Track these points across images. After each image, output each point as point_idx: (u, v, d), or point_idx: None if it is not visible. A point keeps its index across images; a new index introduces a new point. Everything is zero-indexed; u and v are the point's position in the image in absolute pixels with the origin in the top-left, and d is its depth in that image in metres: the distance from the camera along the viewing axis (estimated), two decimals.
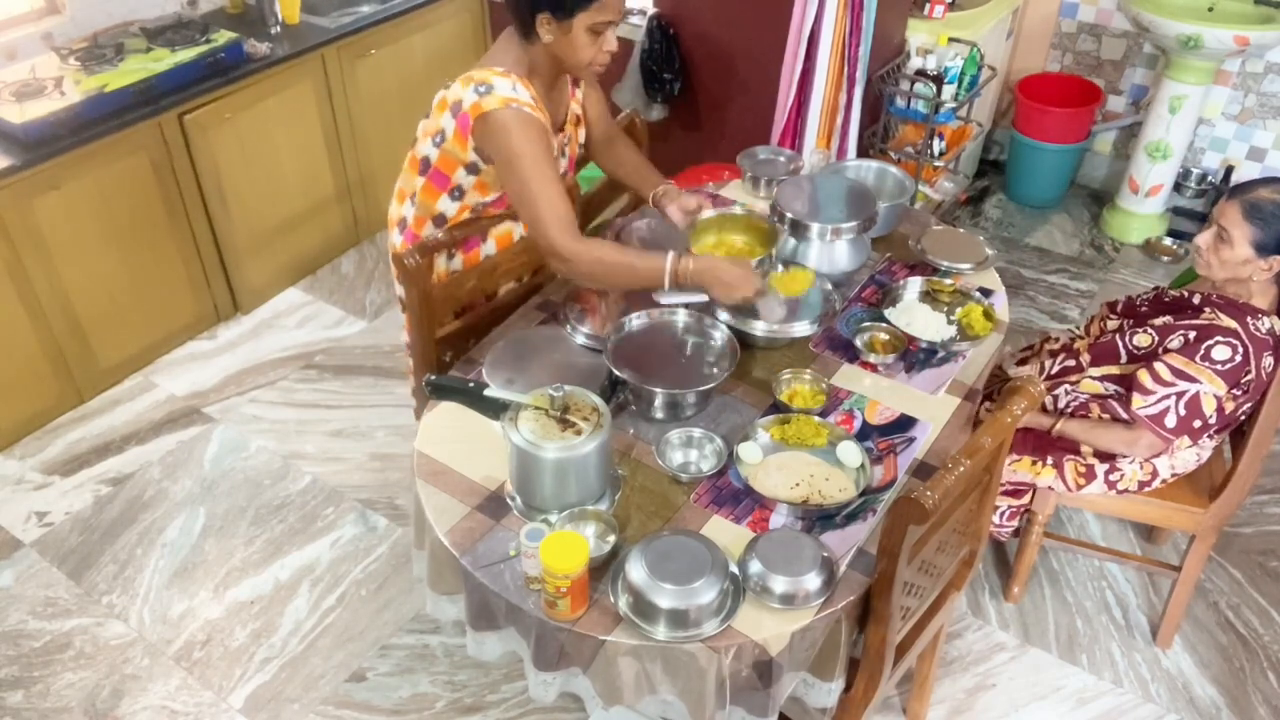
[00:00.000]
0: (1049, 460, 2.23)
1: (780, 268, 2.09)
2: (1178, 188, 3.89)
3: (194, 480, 2.85)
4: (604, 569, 1.59)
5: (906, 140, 3.54)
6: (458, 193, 2.00)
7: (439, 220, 2.04)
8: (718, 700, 1.55)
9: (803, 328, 2.01)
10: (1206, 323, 2.04)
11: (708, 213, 2.18)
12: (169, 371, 3.22)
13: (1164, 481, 2.21)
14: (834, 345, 2.09)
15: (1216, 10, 3.48)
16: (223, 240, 3.27)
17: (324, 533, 2.70)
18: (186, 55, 2.99)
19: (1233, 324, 2.01)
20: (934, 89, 3.28)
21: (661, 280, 1.87)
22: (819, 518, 1.70)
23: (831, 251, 2.14)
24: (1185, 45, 3.32)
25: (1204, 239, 2.06)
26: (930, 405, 1.94)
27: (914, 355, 2.06)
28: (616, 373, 1.85)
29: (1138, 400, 2.05)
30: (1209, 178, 3.88)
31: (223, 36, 3.09)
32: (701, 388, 1.85)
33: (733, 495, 1.74)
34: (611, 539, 1.62)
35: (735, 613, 1.53)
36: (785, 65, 3.18)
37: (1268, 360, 2.01)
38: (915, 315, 2.12)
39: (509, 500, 1.71)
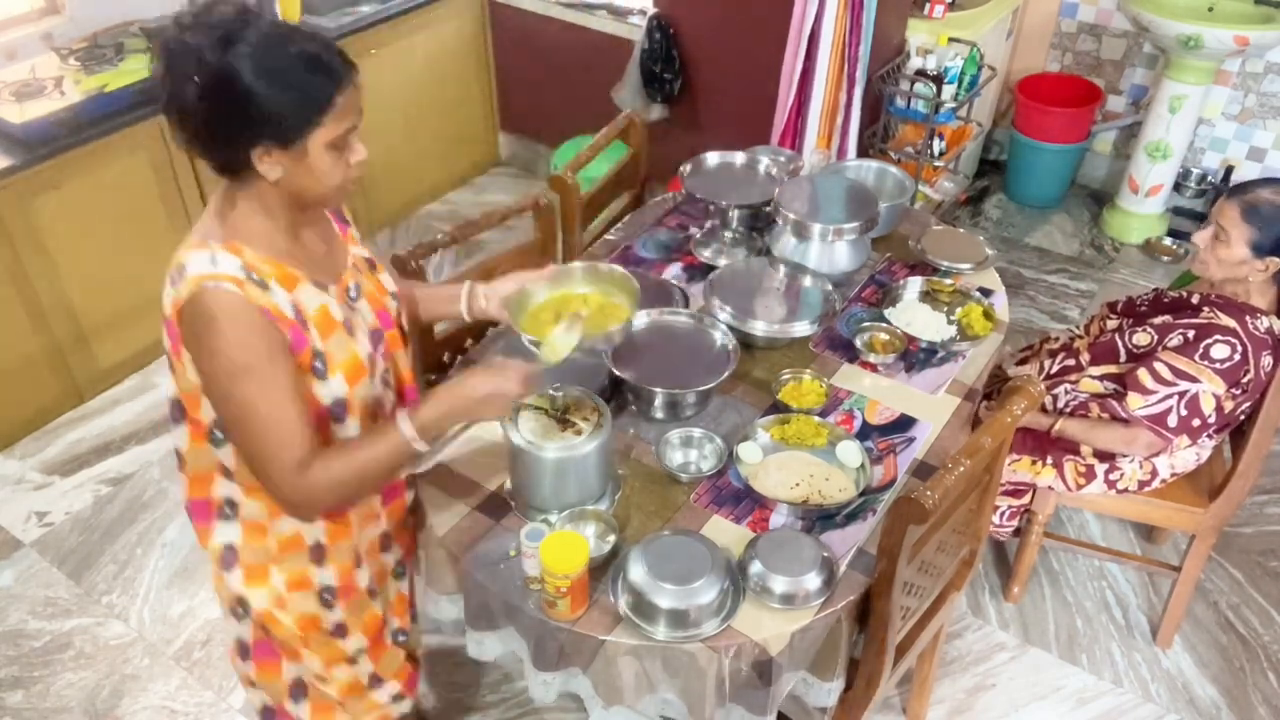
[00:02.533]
0: (1049, 460, 2.23)
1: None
2: (1178, 188, 3.89)
3: None
4: (604, 569, 1.59)
5: (906, 140, 3.54)
6: (218, 436, 1.44)
7: (224, 471, 1.46)
8: (717, 699, 1.55)
9: (803, 328, 2.01)
10: (1206, 321, 2.04)
11: (534, 281, 1.77)
12: (169, 371, 3.21)
13: (1164, 481, 2.21)
14: (834, 345, 2.08)
15: (1216, 10, 3.48)
16: None
17: None
18: None
19: (1232, 323, 2.01)
20: (934, 89, 3.28)
21: (409, 448, 1.42)
22: (819, 518, 1.70)
23: (832, 251, 2.14)
24: (1185, 45, 3.32)
25: (1202, 238, 2.06)
26: (930, 405, 1.94)
27: (914, 355, 2.06)
28: (616, 373, 1.85)
29: (1137, 400, 2.06)
30: (1209, 178, 3.88)
31: None
32: (701, 388, 1.85)
33: (733, 495, 1.74)
34: (611, 539, 1.62)
35: (735, 613, 1.53)
36: (785, 65, 3.18)
37: (1266, 359, 2.01)
38: (915, 315, 2.12)
39: (509, 500, 1.71)
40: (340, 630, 1.62)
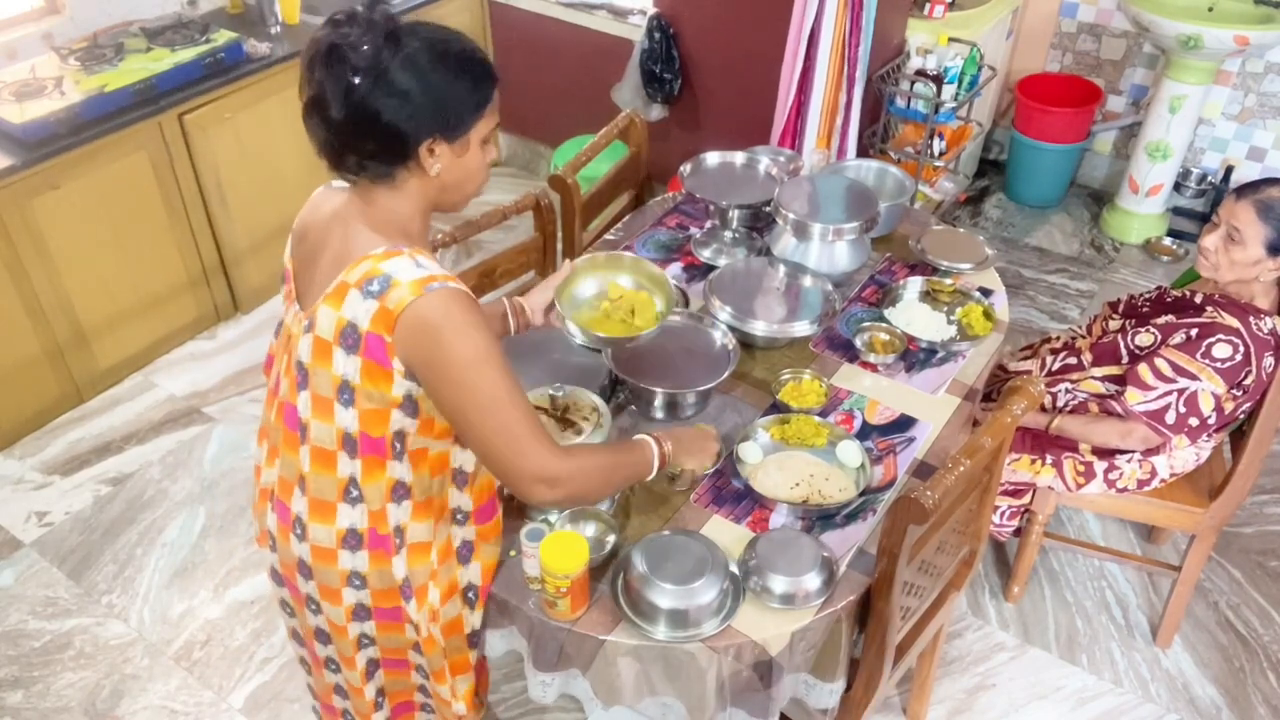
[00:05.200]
0: (1048, 459, 2.23)
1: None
2: (1178, 188, 3.89)
3: (194, 480, 2.85)
4: (604, 569, 1.59)
5: (906, 140, 3.54)
6: (399, 449, 1.40)
7: (400, 491, 1.43)
8: (718, 702, 1.55)
9: (803, 328, 2.01)
10: (1209, 320, 2.04)
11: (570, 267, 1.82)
12: (169, 371, 3.21)
13: (1163, 481, 2.21)
14: (834, 345, 2.08)
15: (1216, 10, 3.48)
16: (223, 240, 3.27)
17: None
18: (186, 55, 2.99)
19: (1235, 323, 2.01)
20: (934, 89, 3.28)
21: (649, 468, 1.55)
22: (819, 518, 1.70)
23: (832, 251, 2.14)
24: (1185, 45, 3.32)
25: (1211, 241, 2.05)
26: (930, 405, 1.94)
27: (914, 355, 2.06)
28: (616, 373, 1.85)
29: (1135, 395, 2.05)
30: (1209, 178, 3.88)
31: (222, 36, 3.09)
32: (701, 388, 1.85)
33: (733, 495, 1.74)
34: (611, 539, 1.62)
35: (735, 613, 1.53)
36: (785, 65, 3.18)
37: (1268, 360, 2.01)
38: (915, 315, 2.12)
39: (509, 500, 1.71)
40: (473, 640, 1.63)
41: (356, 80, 1.25)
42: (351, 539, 1.44)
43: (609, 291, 1.84)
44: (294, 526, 1.47)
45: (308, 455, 1.41)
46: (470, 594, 1.57)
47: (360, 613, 1.51)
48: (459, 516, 1.52)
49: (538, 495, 1.38)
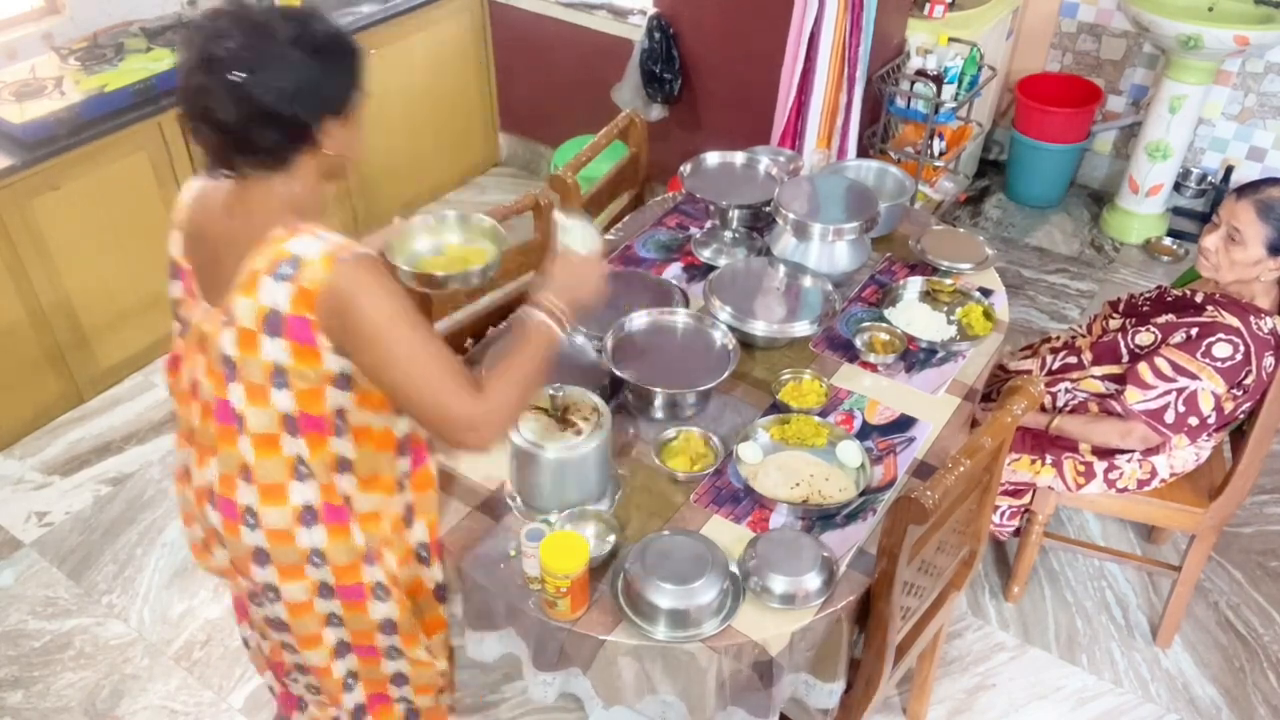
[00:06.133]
0: (1048, 459, 2.23)
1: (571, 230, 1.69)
2: (1178, 188, 3.89)
3: None
4: (604, 569, 1.59)
5: (906, 140, 3.54)
6: (342, 426, 1.44)
7: (344, 465, 1.47)
8: (718, 701, 1.55)
9: (803, 328, 2.01)
10: (1209, 320, 2.04)
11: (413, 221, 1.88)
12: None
13: (1163, 481, 2.21)
14: (834, 345, 2.09)
15: (1216, 10, 3.48)
16: None
17: None
18: None
19: (1235, 322, 2.01)
20: (934, 89, 3.28)
21: (551, 334, 1.49)
22: (819, 518, 1.70)
23: (832, 251, 2.14)
24: (1185, 45, 3.32)
25: (1212, 241, 2.05)
26: (930, 405, 1.94)
27: (914, 355, 2.06)
28: (616, 373, 1.85)
29: (1135, 394, 2.05)
30: (1209, 178, 3.88)
31: None
32: (701, 388, 1.85)
33: (732, 495, 1.74)
34: (611, 539, 1.62)
35: (735, 613, 1.53)
36: (785, 65, 3.18)
37: (1268, 360, 2.01)
38: (915, 315, 2.12)
39: (509, 500, 1.71)
40: (441, 589, 1.68)
41: (242, 78, 1.27)
42: (307, 515, 1.47)
43: (445, 250, 1.87)
44: (244, 518, 1.48)
45: (249, 444, 1.42)
46: (423, 552, 1.61)
47: (324, 590, 1.54)
48: (402, 484, 1.56)
49: (469, 444, 1.39)
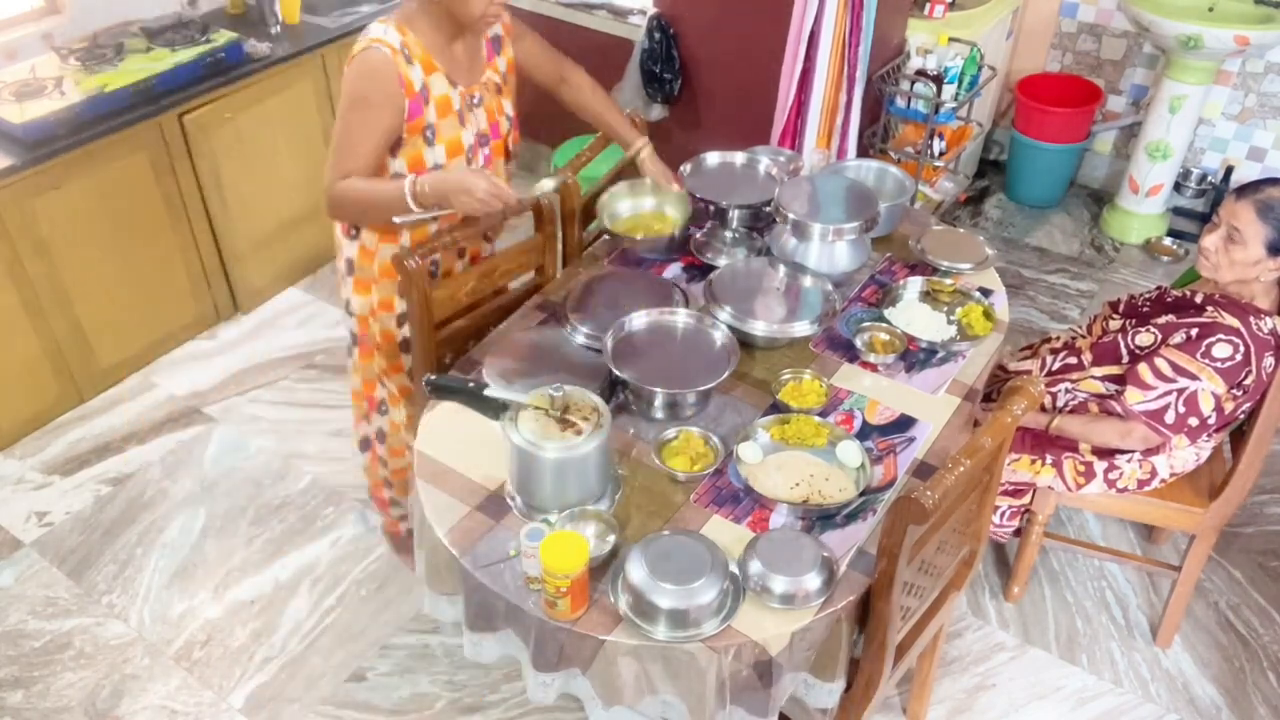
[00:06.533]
0: (1048, 459, 2.23)
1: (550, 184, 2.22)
2: (1178, 188, 3.89)
3: (194, 480, 2.85)
4: (604, 569, 1.59)
5: (906, 140, 3.54)
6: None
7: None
8: (718, 701, 1.55)
9: (803, 328, 2.01)
10: (1209, 320, 2.04)
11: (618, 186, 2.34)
12: (169, 371, 3.22)
13: (1163, 481, 2.21)
14: (834, 345, 2.09)
15: (1216, 10, 3.48)
16: (223, 240, 3.27)
17: (324, 533, 2.70)
18: (186, 55, 2.99)
19: (1235, 323, 2.01)
20: (934, 89, 3.28)
21: (404, 200, 1.86)
22: (819, 518, 1.70)
23: (832, 251, 2.14)
24: (1185, 45, 3.32)
25: (1212, 241, 2.05)
26: (930, 405, 1.94)
27: (914, 355, 2.06)
28: (616, 373, 1.85)
29: (1135, 395, 2.05)
30: (1209, 178, 3.88)
31: (223, 36, 3.09)
32: (701, 388, 1.85)
33: (732, 495, 1.74)
34: (611, 539, 1.62)
35: (735, 613, 1.53)
36: (785, 65, 3.18)
37: (1268, 360, 2.01)
38: (915, 315, 2.12)
39: (509, 500, 1.71)
40: (405, 345, 2.18)
41: None
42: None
43: (640, 214, 2.33)
44: None
45: None
46: (401, 317, 2.13)
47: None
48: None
49: (328, 213, 1.97)
